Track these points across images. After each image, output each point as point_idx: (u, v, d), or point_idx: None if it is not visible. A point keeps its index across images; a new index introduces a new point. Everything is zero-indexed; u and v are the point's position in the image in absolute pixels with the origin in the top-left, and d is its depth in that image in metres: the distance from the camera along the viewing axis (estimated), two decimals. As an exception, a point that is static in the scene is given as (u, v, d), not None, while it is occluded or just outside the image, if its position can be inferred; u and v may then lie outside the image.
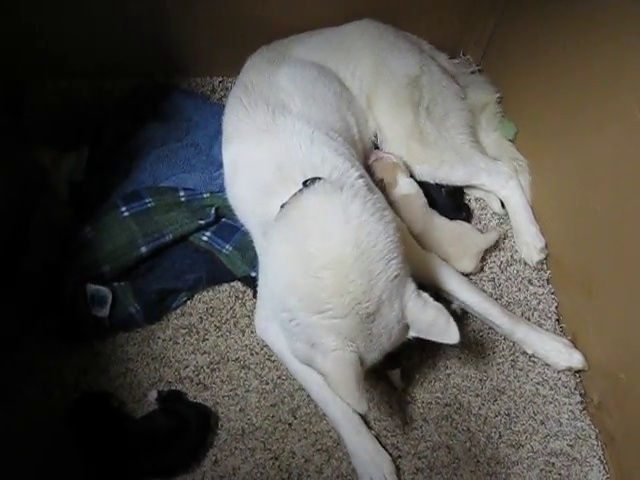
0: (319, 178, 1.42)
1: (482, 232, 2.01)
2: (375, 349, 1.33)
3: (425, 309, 1.35)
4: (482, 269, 1.97)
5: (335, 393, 1.27)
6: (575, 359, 1.80)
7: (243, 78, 1.87)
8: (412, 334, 1.38)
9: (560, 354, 1.81)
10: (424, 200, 1.97)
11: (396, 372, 1.71)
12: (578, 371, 1.81)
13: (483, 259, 1.96)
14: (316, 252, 1.29)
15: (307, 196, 1.38)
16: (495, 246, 2.00)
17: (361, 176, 1.53)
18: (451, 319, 1.35)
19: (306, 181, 1.42)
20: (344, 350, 1.27)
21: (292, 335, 1.37)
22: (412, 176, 2.00)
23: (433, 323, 1.34)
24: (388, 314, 1.31)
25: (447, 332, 1.35)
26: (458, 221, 1.97)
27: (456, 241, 1.91)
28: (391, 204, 1.83)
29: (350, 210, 1.32)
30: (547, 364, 1.82)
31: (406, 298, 1.34)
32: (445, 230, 1.93)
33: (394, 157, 1.98)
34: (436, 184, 2.03)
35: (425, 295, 1.37)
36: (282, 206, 1.42)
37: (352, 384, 1.25)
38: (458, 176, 2.01)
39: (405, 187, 1.96)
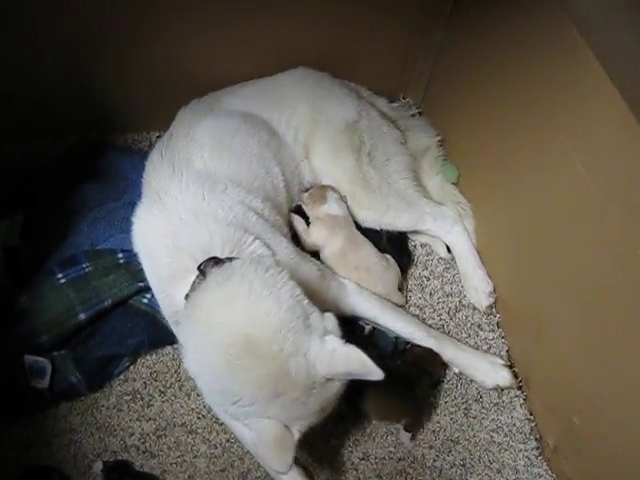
0: (214, 259, 1.39)
1: (427, 278, 2.01)
2: (303, 417, 1.29)
3: (334, 361, 1.25)
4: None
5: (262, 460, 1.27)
6: (501, 377, 1.80)
7: (166, 133, 1.82)
8: (338, 383, 1.32)
9: (486, 372, 1.80)
10: (351, 224, 1.95)
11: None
12: (531, 414, 1.78)
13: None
14: (212, 357, 1.28)
15: (200, 293, 1.35)
16: (443, 292, 1.99)
17: (256, 238, 1.50)
18: (364, 357, 1.24)
19: (200, 265, 1.39)
20: (262, 422, 1.26)
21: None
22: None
23: (349, 369, 1.26)
24: (296, 387, 1.25)
25: (367, 372, 1.25)
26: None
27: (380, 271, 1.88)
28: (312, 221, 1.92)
29: (236, 299, 1.29)
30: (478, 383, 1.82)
31: (312, 360, 1.26)
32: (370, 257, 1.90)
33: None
34: (377, 230, 1.98)
35: (332, 341, 1.27)
36: (186, 297, 1.40)
37: (272, 448, 1.25)
38: (404, 222, 1.98)
39: (333, 206, 1.92)
